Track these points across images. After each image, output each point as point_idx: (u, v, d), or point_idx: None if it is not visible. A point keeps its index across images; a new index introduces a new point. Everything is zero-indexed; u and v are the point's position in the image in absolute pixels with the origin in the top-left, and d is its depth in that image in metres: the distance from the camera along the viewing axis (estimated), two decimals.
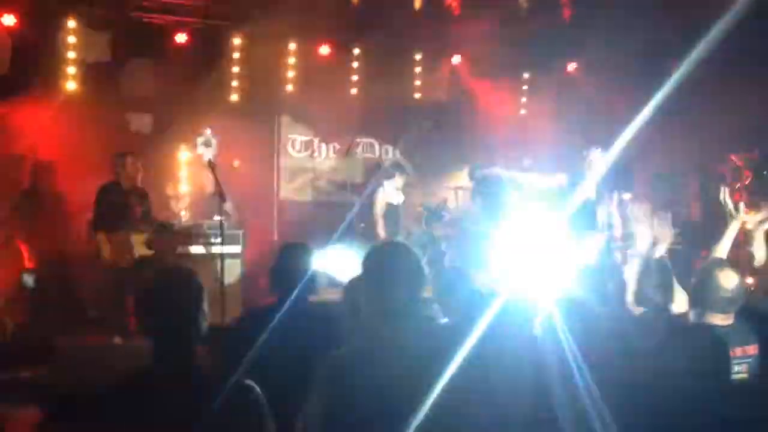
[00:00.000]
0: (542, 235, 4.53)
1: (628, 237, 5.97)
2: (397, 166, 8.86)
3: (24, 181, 7.52)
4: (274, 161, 9.76)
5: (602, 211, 6.64)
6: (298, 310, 3.36)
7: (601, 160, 6.78)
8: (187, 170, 8.79)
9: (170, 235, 7.12)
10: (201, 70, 8.64)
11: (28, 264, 6.52)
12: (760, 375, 3.11)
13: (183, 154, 8.79)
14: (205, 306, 2.45)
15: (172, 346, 2.35)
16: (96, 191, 6.83)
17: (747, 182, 8.89)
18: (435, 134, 10.01)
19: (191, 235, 7.50)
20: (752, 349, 3.17)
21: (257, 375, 2.73)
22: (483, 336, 2.56)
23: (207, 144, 8.27)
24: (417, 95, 10.24)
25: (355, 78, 9.79)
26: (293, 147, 10.07)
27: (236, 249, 7.69)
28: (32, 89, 7.64)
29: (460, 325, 3.32)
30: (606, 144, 7.11)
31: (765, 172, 8.80)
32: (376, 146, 10.51)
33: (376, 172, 8.52)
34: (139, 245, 6.83)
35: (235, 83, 9.07)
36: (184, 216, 8.42)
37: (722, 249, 4.21)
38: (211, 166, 6.31)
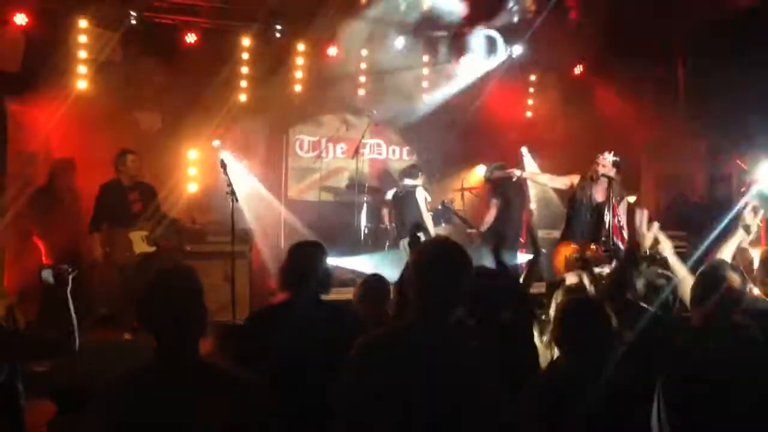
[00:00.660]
0: None
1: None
2: (414, 167, 8.87)
3: (39, 178, 7.57)
4: (282, 161, 9.79)
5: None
6: (310, 308, 3.34)
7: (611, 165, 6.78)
8: (197, 169, 8.85)
9: (178, 233, 7.16)
10: (210, 70, 8.69)
11: (45, 260, 6.57)
12: None
13: (192, 153, 8.84)
14: (204, 302, 2.47)
15: (172, 342, 2.38)
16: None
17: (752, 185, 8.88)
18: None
19: (200, 233, 7.53)
20: None
21: (267, 372, 2.78)
22: None
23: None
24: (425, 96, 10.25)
25: (362, 79, 9.82)
26: (301, 148, 10.12)
27: (244, 248, 7.73)
28: (44, 88, 7.70)
29: None
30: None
31: None
32: (384, 147, 10.56)
33: (408, 172, 8.52)
34: (139, 242, 6.84)
35: (243, 83, 9.13)
36: (193, 214, 8.46)
37: (728, 252, 4.23)
38: (224, 165, 6.35)
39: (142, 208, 6.87)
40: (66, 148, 7.72)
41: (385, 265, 6.48)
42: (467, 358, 2.39)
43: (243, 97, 9.14)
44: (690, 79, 10.03)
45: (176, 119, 8.64)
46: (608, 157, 6.89)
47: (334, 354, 2.54)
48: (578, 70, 10.54)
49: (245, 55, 9.08)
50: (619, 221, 6.43)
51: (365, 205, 9.17)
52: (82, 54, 8.24)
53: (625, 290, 3.25)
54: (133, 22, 8.30)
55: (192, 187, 8.80)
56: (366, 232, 9.04)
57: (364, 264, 7.97)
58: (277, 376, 2.90)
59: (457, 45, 9.98)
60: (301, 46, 9.36)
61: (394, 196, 8.49)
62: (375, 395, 2.32)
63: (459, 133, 10.35)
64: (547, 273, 7.03)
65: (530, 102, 10.90)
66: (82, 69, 8.24)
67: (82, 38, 8.23)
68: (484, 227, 8.25)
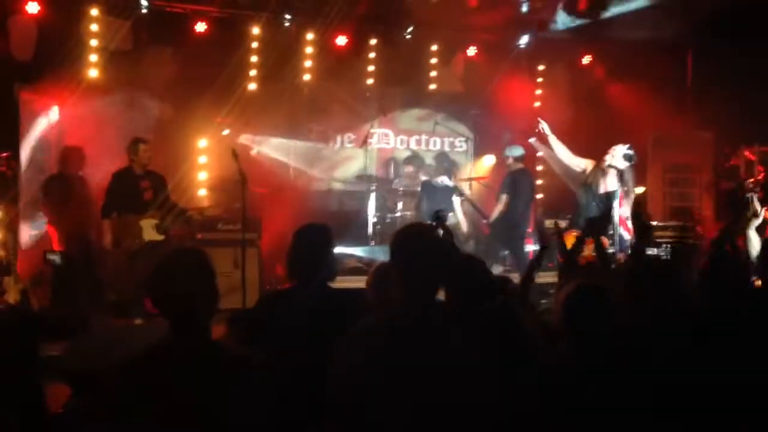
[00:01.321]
0: None
1: None
2: (415, 157, 8.93)
3: (51, 165, 7.66)
4: (290, 150, 9.86)
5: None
6: (316, 294, 3.29)
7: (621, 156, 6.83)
8: (207, 157, 8.92)
9: (188, 222, 7.22)
10: (220, 58, 8.74)
11: (56, 247, 6.64)
12: None
13: (202, 141, 8.90)
14: (215, 282, 2.49)
15: (184, 321, 2.40)
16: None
17: (760, 177, 8.91)
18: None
19: (210, 221, 7.60)
20: None
21: (272, 357, 2.82)
22: None
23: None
24: (433, 86, 10.29)
25: (371, 68, 9.87)
26: (310, 136, 10.18)
27: (253, 236, 7.79)
28: (55, 76, 7.78)
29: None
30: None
31: None
32: (391, 137, 10.61)
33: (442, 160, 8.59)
34: (149, 230, 6.88)
35: (253, 72, 9.18)
36: (203, 202, 8.55)
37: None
38: (235, 154, 6.40)
39: (153, 196, 6.91)
40: (78, 136, 7.79)
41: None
42: (454, 339, 2.44)
43: (253, 86, 9.19)
44: (697, 69, 10.02)
45: (186, 108, 8.70)
46: (620, 149, 6.91)
47: (339, 341, 2.55)
48: (586, 60, 10.54)
49: (255, 44, 9.12)
50: (625, 213, 6.48)
51: (373, 194, 9.22)
52: (93, 42, 8.31)
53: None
54: (144, 11, 8.37)
55: (202, 176, 8.88)
56: (375, 220, 9.09)
57: (373, 252, 8.04)
58: (281, 361, 2.93)
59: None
60: (310, 35, 9.40)
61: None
62: (367, 385, 2.36)
63: (467, 123, 10.43)
64: (555, 263, 7.07)
65: (538, 92, 10.90)
66: (93, 57, 8.31)
67: (93, 27, 8.29)
68: (493, 218, 8.31)
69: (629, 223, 6.34)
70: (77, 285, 6.18)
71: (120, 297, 7.08)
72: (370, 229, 9.05)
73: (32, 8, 7.81)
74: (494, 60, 10.17)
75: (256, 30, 9.09)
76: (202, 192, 8.92)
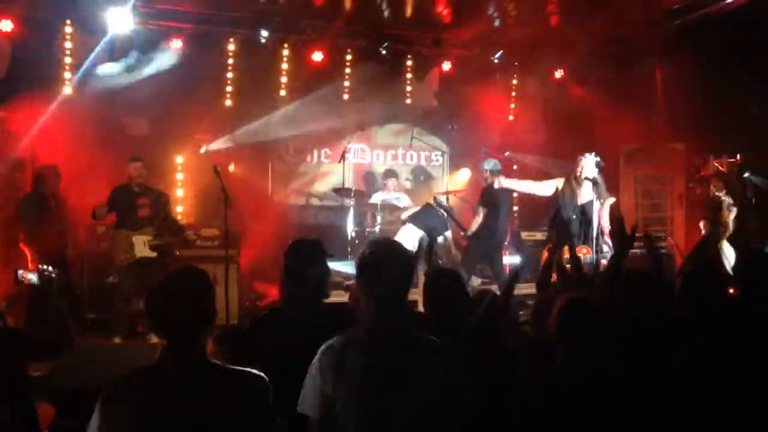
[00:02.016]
0: None
1: None
2: (392, 173, 8.99)
3: (26, 184, 7.58)
4: (268, 165, 9.86)
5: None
6: (308, 312, 3.25)
7: (593, 165, 6.96)
8: (184, 173, 8.89)
9: (186, 240, 7.29)
10: (196, 75, 8.74)
11: (31, 266, 6.56)
12: None
13: (179, 158, 8.88)
14: (214, 303, 2.50)
15: (182, 341, 2.40)
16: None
17: (729, 186, 9.12)
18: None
19: (189, 237, 7.57)
20: None
21: (273, 377, 2.82)
22: None
23: None
24: (408, 101, 10.39)
25: (347, 84, 9.93)
26: (287, 152, 10.20)
27: (233, 252, 7.77)
28: (30, 94, 7.70)
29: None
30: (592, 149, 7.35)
31: (746, 175, 9.03)
32: (368, 151, 10.67)
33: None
34: (141, 246, 6.93)
35: (229, 88, 9.19)
36: (181, 219, 8.51)
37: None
38: (217, 171, 6.46)
39: (150, 213, 7.04)
40: (53, 153, 7.72)
41: None
42: (430, 346, 2.51)
43: (229, 102, 9.20)
44: (667, 83, 10.23)
45: (163, 124, 8.68)
46: (590, 158, 7.05)
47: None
48: (559, 74, 10.72)
49: (230, 60, 9.14)
50: (607, 222, 6.60)
51: (351, 209, 9.26)
52: (68, 60, 8.26)
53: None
54: (120, 28, 8.33)
55: (179, 192, 8.84)
56: (353, 235, 9.12)
57: (352, 267, 8.03)
58: (276, 379, 2.92)
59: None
60: (286, 52, 9.44)
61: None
62: (346, 398, 2.42)
63: (443, 137, 10.54)
64: (532, 274, 7.16)
65: (512, 106, 11.04)
66: (67, 74, 8.26)
67: (68, 44, 8.25)
68: (471, 231, 8.38)
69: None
70: (59, 303, 6.09)
71: (101, 315, 7.06)
72: (348, 245, 9.06)
73: (5, 26, 7.75)
74: (468, 75, 10.28)
75: (232, 47, 9.10)
76: (179, 209, 8.88)
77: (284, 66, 9.49)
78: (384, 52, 9.76)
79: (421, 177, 10.39)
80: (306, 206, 10.18)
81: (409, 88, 10.35)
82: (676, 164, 10.18)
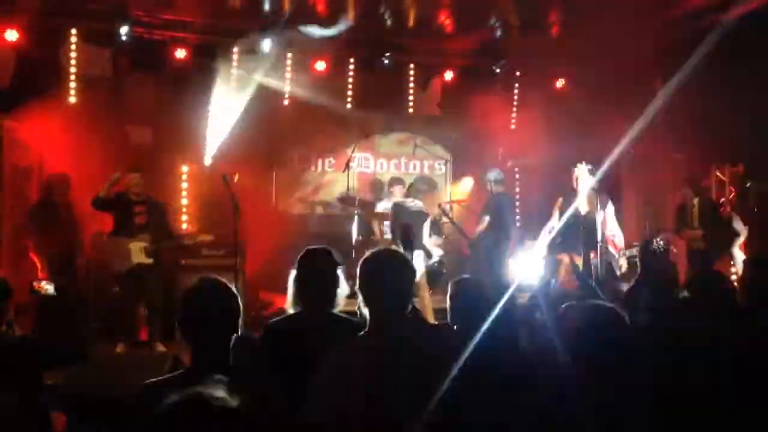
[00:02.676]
0: None
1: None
2: (399, 180, 8.98)
3: (33, 193, 7.60)
4: (272, 174, 9.88)
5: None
6: (321, 322, 3.28)
7: (587, 174, 7.00)
8: (189, 183, 8.90)
9: (182, 249, 7.28)
10: (200, 84, 8.77)
11: (40, 275, 6.59)
12: None
13: (184, 167, 8.90)
14: (239, 312, 2.56)
15: (211, 349, 2.44)
16: None
17: (731, 196, 9.16)
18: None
19: (195, 247, 7.58)
20: None
21: (284, 384, 2.84)
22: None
23: None
24: (411, 110, 10.42)
25: (350, 93, 9.96)
26: (291, 161, 10.22)
27: (238, 261, 7.75)
28: (35, 103, 7.73)
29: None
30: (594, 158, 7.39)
31: (747, 185, 9.08)
32: (372, 160, 10.70)
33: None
34: (138, 253, 6.95)
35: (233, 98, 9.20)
36: (187, 228, 8.53)
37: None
38: (226, 180, 6.50)
39: (146, 221, 7.04)
40: (59, 163, 7.75)
41: None
42: (440, 340, 2.56)
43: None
44: (668, 92, 10.27)
45: (167, 134, 8.71)
46: (583, 168, 7.09)
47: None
48: (560, 83, 10.77)
49: (234, 71, 9.17)
50: (610, 231, 6.62)
51: (356, 217, 9.27)
52: (73, 69, 8.30)
53: None
54: (124, 38, 8.37)
55: (184, 201, 8.86)
56: (358, 244, 9.12)
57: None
58: (285, 388, 2.94)
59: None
60: (289, 60, 9.47)
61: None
62: (354, 405, 2.43)
63: (446, 147, 10.57)
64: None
65: (514, 115, 11.08)
66: (72, 84, 8.29)
67: (73, 54, 8.29)
68: (474, 239, 8.41)
69: (616, 240, 6.49)
70: (73, 313, 6.15)
71: (106, 323, 7.07)
72: (353, 253, 9.05)
73: (11, 36, 7.78)
74: (471, 84, 10.33)
75: (235, 56, 9.13)
76: (184, 218, 8.89)
77: (287, 75, 9.52)
78: (386, 61, 9.81)
79: (423, 186, 10.37)
80: (310, 215, 10.18)
81: (411, 98, 10.39)
82: (676, 173, 10.21)
